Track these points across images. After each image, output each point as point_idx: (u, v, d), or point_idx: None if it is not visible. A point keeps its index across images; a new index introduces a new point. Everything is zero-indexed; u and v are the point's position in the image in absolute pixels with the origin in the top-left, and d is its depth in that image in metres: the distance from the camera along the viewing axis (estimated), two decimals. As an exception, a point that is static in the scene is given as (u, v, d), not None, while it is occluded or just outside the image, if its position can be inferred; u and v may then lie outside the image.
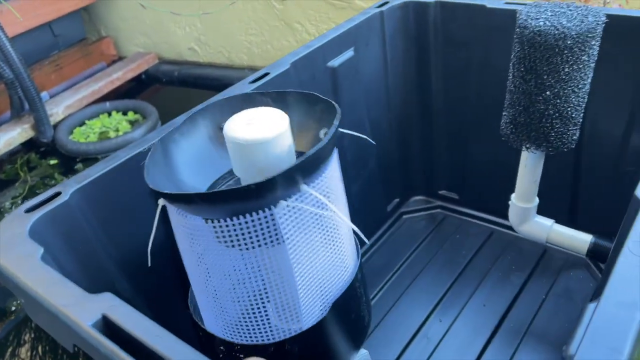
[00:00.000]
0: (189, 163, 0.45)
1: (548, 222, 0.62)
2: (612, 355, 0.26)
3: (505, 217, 0.70)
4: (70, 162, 1.33)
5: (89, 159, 1.32)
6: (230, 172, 0.46)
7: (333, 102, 0.42)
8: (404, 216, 0.87)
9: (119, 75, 1.59)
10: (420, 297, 0.71)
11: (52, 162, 1.34)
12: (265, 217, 0.38)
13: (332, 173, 0.41)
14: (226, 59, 1.58)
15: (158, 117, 1.41)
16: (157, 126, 1.39)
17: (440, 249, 0.79)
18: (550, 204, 0.66)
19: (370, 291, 0.73)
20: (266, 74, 0.60)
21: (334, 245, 0.43)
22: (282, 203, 0.38)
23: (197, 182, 0.44)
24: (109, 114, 1.49)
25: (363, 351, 0.49)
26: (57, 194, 0.45)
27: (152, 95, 1.62)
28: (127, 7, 1.66)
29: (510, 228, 0.73)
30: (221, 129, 0.47)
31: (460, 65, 0.74)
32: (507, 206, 0.68)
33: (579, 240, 0.60)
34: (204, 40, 1.58)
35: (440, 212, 0.87)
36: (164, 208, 0.42)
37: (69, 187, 0.46)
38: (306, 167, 0.37)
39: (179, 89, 1.61)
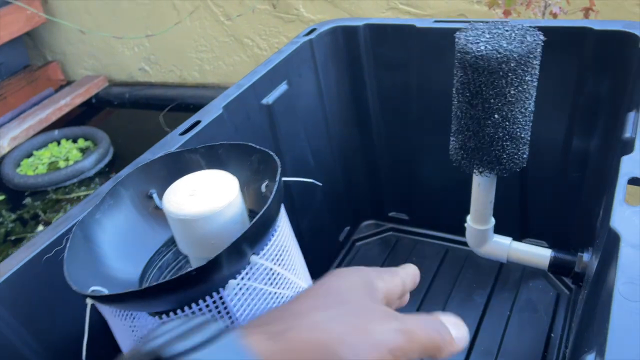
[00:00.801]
0: (117, 245, 0.39)
1: (506, 240, 0.61)
2: None
3: (458, 232, 0.69)
4: (18, 197, 1.23)
5: (38, 192, 1.22)
6: (167, 243, 0.41)
7: (270, 152, 0.38)
8: (357, 243, 0.84)
9: (67, 101, 1.49)
10: (387, 331, 0.68)
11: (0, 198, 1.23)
12: (215, 302, 0.33)
13: (282, 231, 0.37)
14: (178, 78, 1.52)
15: (110, 143, 1.33)
16: (108, 152, 1.32)
17: (398, 275, 0.76)
18: (502, 220, 0.65)
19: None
20: (197, 122, 0.55)
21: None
22: (232, 282, 0.33)
23: (129, 266, 0.39)
24: (58, 143, 1.40)
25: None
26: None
27: (103, 120, 1.54)
28: (72, 30, 1.56)
29: (464, 243, 0.71)
30: (150, 196, 0.41)
31: (397, 87, 0.72)
32: (459, 221, 0.66)
33: (540, 256, 0.59)
34: (154, 60, 1.51)
35: (393, 235, 0.84)
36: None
37: (-23, 289, 0.39)
38: (253, 235, 0.33)
39: (131, 111, 1.54)
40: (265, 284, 0.35)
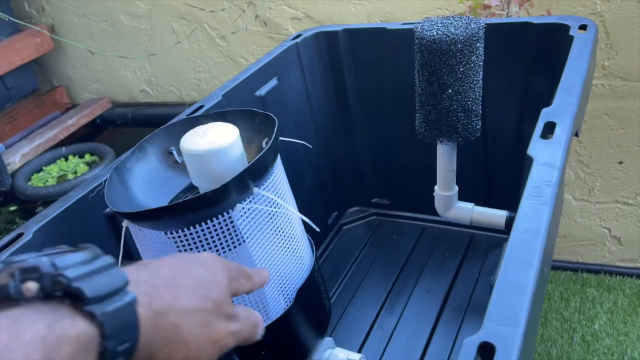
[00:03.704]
0: (144, 187, 0.48)
1: (469, 205, 0.71)
2: (525, 269, 0.33)
3: (434, 213, 0.78)
4: (31, 207, 1.32)
5: (50, 202, 1.30)
6: (185, 191, 0.51)
7: (270, 114, 0.48)
8: (344, 227, 0.93)
9: (73, 121, 1.59)
10: (370, 294, 0.77)
11: (12, 208, 1.32)
12: (225, 220, 0.42)
13: (279, 175, 0.47)
14: (177, 97, 1.63)
15: (115, 157, 1.42)
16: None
17: (380, 250, 0.85)
18: (469, 191, 0.75)
19: (324, 298, 0.78)
20: (201, 107, 0.65)
21: (290, 238, 0.48)
22: (239, 206, 0.42)
23: (154, 202, 0.48)
24: (66, 159, 1.49)
25: (328, 338, 0.54)
26: (20, 235, 0.47)
27: (108, 138, 1.64)
28: (77, 56, 1.69)
29: (439, 222, 0.81)
30: (170, 152, 0.51)
31: (374, 82, 0.83)
32: (434, 203, 0.76)
33: (497, 216, 0.68)
34: (154, 82, 1.63)
35: (376, 219, 0.94)
36: (126, 232, 0.45)
37: (30, 228, 0.48)
38: (255, 171, 0.42)
39: (134, 130, 1.63)
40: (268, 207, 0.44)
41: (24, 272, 0.24)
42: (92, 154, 1.49)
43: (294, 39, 0.80)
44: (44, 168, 1.47)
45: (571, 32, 0.62)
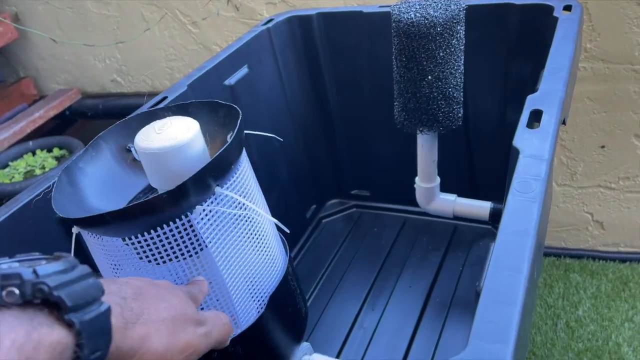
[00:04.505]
0: (99, 188, 0.44)
1: (451, 197, 0.68)
2: (513, 276, 0.29)
3: (415, 204, 0.75)
4: None
5: None
6: (145, 191, 0.46)
7: (234, 105, 0.44)
8: (323, 220, 0.90)
9: (40, 114, 1.52)
10: (351, 291, 0.74)
11: (-23, 206, 1.26)
12: (183, 224, 0.38)
13: (244, 173, 0.43)
14: (150, 87, 1.57)
15: None
16: None
17: (361, 244, 0.82)
18: (453, 182, 0.72)
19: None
20: (164, 98, 0.60)
21: (260, 242, 0.44)
22: (198, 208, 0.38)
23: (109, 206, 0.44)
24: (33, 153, 1.43)
25: (305, 344, 0.51)
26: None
27: (78, 131, 1.57)
28: (44, 46, 1.61)
29: (421, 214, 0.78)
30: (128, 149, 0.47)
31: (351, 69, 0.79)
32: (415, 193, 0.73)
33: (481, 207, 0.65)
34: (125, 71, 1.57)
35: (356, 211, 0.90)
36: (79, 239, 0.41)
37: (-28, 236, 0.44)
38: (216, 169, 0.38)
39: (105, 121, 1.57)
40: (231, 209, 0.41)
41: (5, 278, 0.25)
42: (61, 148, 1.43)
43: (265, 24, 0.76)
44: (10, 163, 1.41)
45: (555, 13, 0.59)
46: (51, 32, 1.55)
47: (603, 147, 1.16)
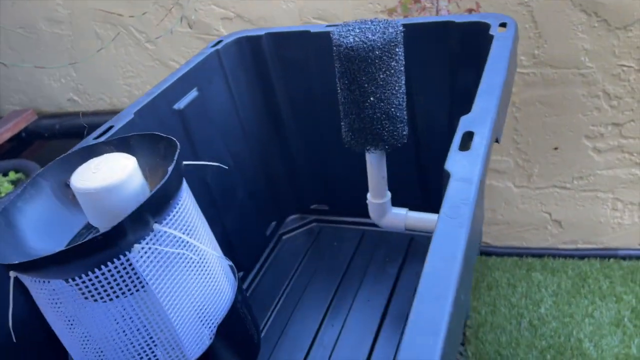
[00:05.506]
0: (39, 227, 0.44)
1: (402, 211, 0.69)
2: (438, 302, 0.31)
3: (372, 216, 0.76)
4: None
5: None
6: (87, 227, 0.46)
7: (172, 138, 0.44)
8: (284, 237, 0.90)
9: None
10: (311, 307, 0.75)
11: None
12: (122, 264, 0.38)
13: (185, 206, 0.43)
14: (108, 105, 1.55)
15: None
16: None
17: (321, 260, 0.83)
18: (406, 196, 0.73)
19: (264, 312, 0.75)
20: (110, 127, 0.60)
21: (204, 274, 0.44)
22: (136, 247, 0.39)
23: (50, 245, 0.44)
24: None
25: (257, 370, 0.51)
26: None
27: (36, 152, 1.54)
28: None
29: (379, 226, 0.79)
30: (68, 185, 0.47)
31: (303, 87, 0.80)
32: (371, 206, 0.74)
33: (431, 221, 0.67)
34: (82, 90, 1.54)
35: (316, 225, 0.91)
36: (20, 281, 0.41)
37: None
38: (154, 206, 0.39)
39: (63, 142, 1.54)
40: (170, 248, 0.41)
41: None
42: (17, 171, 1.40)
43: (214, 45, 0.76)
44: (-37, 190, 1.37)
45: (491, 31, 0.61)
46: (3, 53, 1.52)
47: (556, 148, 1.20)
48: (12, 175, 1.40)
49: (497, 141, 0.48)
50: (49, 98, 1.62)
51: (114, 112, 1.58)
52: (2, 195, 1.32)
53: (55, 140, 1.56)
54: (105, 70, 1.48)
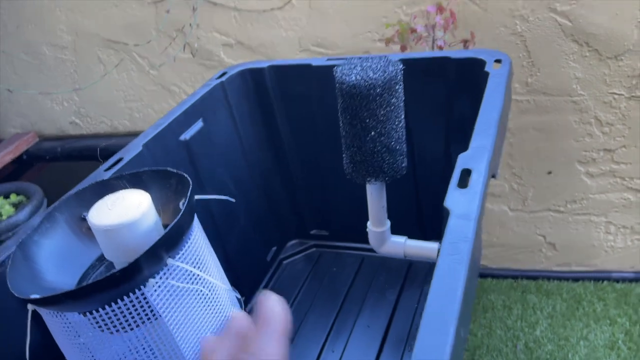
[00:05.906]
0: (54, 261, 0.46)
1: (402, 239, 0.71)
2: (440, 338, 0.32)
3: (371, 242, 0.78)
4: None
5: None
6: (100, 258, 0.48)
7: (184, 174, 0.46)
8: (284, 262, 0.92)
9: None
10: (312, 333, 0.76)
11: None
12: (137, 297, 0.40)
13: (196, 240, 0.45)
14: (109, 127, 1.57)
15: (43, 196, 1.35)
16: (42, 205, 1.34)
17: (321, 285, 0.85)
18: (403, 224, 0.75)
19: (265, 341, 0.76)
20: (120, 159, 0.62)
21: (213, 306, 0.46)
22: (151, 281, 0.40)
23: (65, 277, 0.45)
24: None
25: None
26: None
27: (37, 175, 1.55)
28: None
29: (378, 251, 0.81)
30: (83, 218, 0.48)
31: (304, 118, 0.83)
32: (370, 233, 0.76)
33: (429, 249, 0.69)
34: (84, 113, 1.57)
35: (316, 251, 0.93)
36: (36, 312, 0.42)
37: None
38: (169, 242, 0.41)
39: (65, 164, 1.55)
40: (182, 282, 0.43)
41: None
42: (18, 194, 1.42)
43: (218, 77, 0.79)
44: (-35, 213, 1.38)
45: (487, 68, 0.64)
46: (6, 78, 1.55)
47: (550, 173, 1.22)
48: (14, 198, 1.42)
49: (494, 177, 0.50)
50: (50, 121, 1.64)
51: (114, 135, 1.61)
52: (3, 217, 1.34)
53: (56, 163, 1.58)
54: (107, 94, 1.51)
